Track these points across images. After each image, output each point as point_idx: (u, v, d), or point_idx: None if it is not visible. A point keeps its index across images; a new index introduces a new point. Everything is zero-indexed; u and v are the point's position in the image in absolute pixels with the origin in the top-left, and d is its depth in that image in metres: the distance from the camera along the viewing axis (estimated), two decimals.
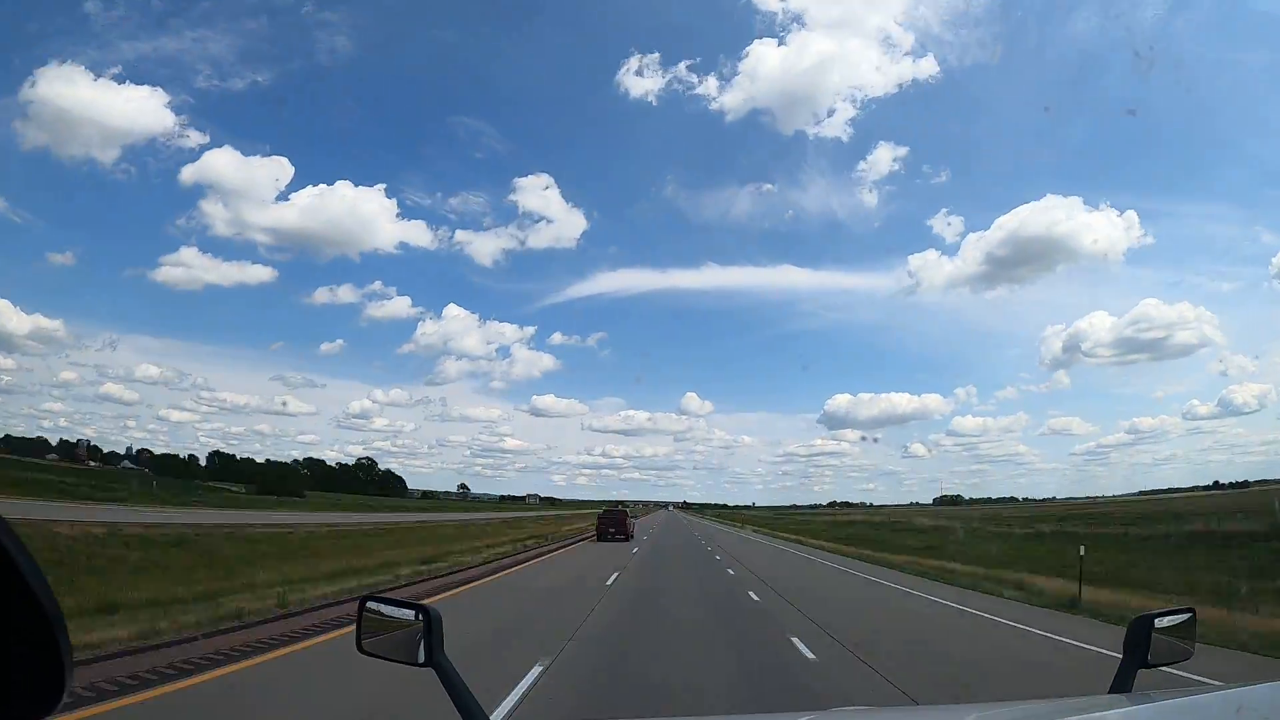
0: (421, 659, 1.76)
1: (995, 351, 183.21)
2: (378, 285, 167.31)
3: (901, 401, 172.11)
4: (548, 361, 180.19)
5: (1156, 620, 1.79)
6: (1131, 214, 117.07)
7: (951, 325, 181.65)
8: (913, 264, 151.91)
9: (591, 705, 6.64)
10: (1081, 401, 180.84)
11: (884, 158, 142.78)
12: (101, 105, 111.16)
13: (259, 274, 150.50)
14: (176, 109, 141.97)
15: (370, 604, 1.92)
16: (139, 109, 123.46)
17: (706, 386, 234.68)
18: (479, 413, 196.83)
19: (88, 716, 5.66)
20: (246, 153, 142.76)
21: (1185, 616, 1.88)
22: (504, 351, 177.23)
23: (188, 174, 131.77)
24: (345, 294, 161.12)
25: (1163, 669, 1.83)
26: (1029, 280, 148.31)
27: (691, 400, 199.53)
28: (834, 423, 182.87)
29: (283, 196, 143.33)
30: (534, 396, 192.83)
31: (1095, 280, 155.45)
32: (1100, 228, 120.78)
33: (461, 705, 1.67)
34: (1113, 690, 1.75)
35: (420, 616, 1.79)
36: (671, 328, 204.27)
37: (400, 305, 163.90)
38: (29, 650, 0.82)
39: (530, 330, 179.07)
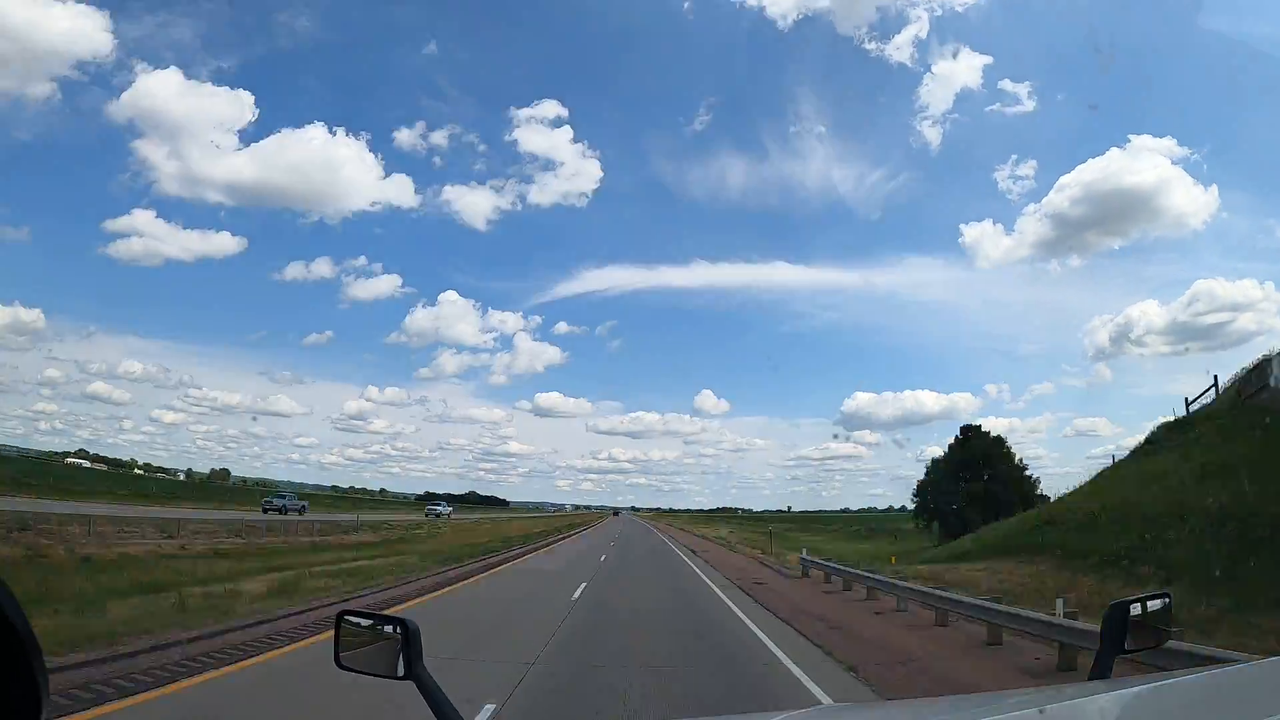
0: (401, 672, 1.74)
1: (1041, 339, 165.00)
2: (362, 260, 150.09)
3: (928, 400, 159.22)
4: (553, 354, 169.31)
5: (1132, 606, 1.81)
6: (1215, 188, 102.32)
7: (998, 311, 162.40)
8: (967, 236, 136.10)
9: None
10: (1119, 399, 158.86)
11: (962, 67, 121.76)
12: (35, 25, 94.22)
13: (225, 244, 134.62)
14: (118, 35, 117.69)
15: (348, 617, 1.91)
16: (77, 29, 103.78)
17: (717, 388, 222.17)
18: (480, 413, 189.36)
19: None
20: (204, 89, 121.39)
21: (1162, 602, 1.90)
22: (505, 342, 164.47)
23: (141, 125, 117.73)
24: (326, 270, 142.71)
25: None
26: (1095, 251, 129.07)
27: (701, 402, 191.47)
28: (852, 424, 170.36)
29: (247, 141, 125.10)
30: (537, 394, 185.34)
31: (1166, 257, 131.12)
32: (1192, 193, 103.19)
33: (443, 718, 1.65)
34: (1092, 677, 1.77)
35: (398, 629, 1.78)
36: (677, 327, 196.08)
37: (388, 284, 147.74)
38: (2, 673, 0.81)
39: (535, 320, 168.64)
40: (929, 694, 6.83)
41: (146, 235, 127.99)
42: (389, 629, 1.80)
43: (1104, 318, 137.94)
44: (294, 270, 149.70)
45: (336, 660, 1.89)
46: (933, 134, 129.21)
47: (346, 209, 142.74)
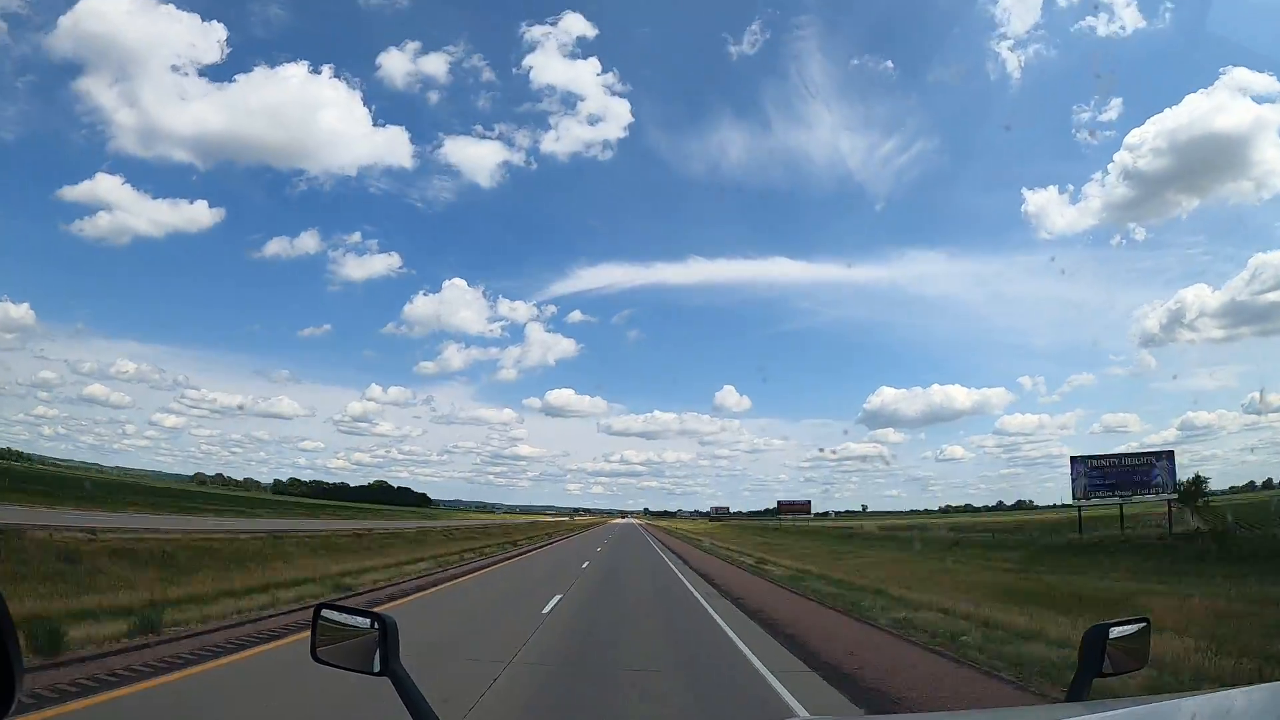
0: (377, 668, 1.75)
1: (1089, 325, 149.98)
2: (356, 237, 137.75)
3: (958, 396, 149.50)
4: (566, 346, 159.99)
5: (1111, 630, 1.82)
6: None
7: (1047, 295, 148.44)
8: (1030, 203, 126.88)
9: None
10: (1159, 392, 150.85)
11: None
12: None
13: (200, 215, 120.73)
14: None
15: (325, 612, 1.91)
16: None
17: (738, 386, 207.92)
18: (488, 414, 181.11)
19: None
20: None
21: (1139, 626, 1.92)
22: (515, 332, 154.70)
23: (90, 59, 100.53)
24: (314, 245, 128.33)
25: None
26: (1170, 215, 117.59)
27: (721, 400, 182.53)
28: (875, 421, 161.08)
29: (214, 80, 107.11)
30: (548, 392, 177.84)
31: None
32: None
33: (418, 715, 1.65)
34: (1068, 699, 1.78)
35: (375, 625, 1.79)
36: (694, 323, 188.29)
37: (384, 263, 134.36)
38: None
39: (550, 310, 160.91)
40: None
41: (114, 208, 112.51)
42: (366, 624, 1.81)
43: (1155, 304, 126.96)
44: (279, 247, 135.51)
45: (313, 654, 1.89)
46: (1012, 61, 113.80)
47: (334, 166, 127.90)
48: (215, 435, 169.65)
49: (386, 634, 1.74)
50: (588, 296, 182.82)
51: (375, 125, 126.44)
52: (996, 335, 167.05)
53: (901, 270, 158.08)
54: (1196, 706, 1.44)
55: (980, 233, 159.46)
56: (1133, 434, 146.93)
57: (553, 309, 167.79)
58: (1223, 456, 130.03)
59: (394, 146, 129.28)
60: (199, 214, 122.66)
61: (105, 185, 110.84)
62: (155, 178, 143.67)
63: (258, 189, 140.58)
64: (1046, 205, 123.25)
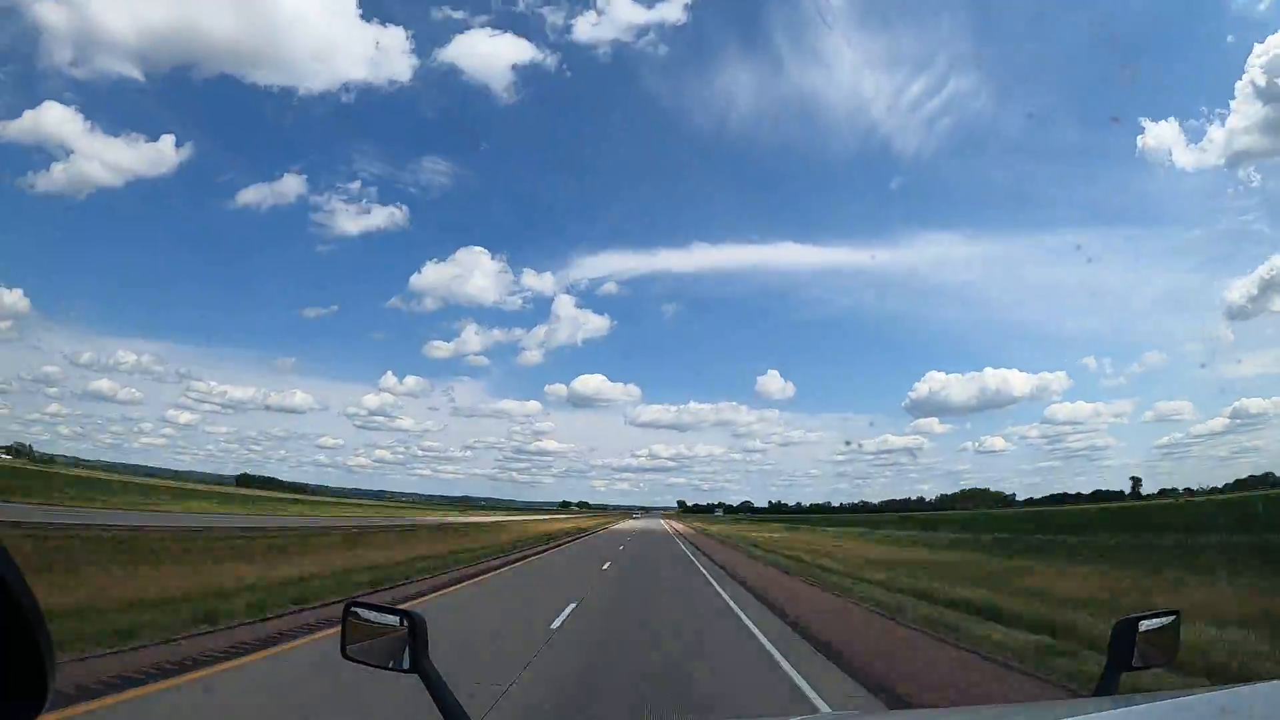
0: (407, 665, 1.76)
1: (1174, 297, 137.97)
2: (356, 185, 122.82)
3: (1016, 381, 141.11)
4: (598, 324, 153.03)
5: (1141, 623, 1.80)
6: None
7: (1140, 263, 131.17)
8: (1149, 136, 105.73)
9: None
10: (1224, 374, 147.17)
11: None
12: None
13: (165, 154, 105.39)
14: None
15: (354, 609, 1.91)
16: None
17: (779, 376, 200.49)
18: (511, 407, 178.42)
19: None
20: None
21: (1170, 619, 1.90)
22: (542, 306, 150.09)
23: None
24: (296, 190, 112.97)
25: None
26: None
27: (763, 388, 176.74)
28: (921, 411, 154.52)
29: None
30: (575, 379, 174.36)
31: None
32: None
33: (447, 712, 1.65)
34: (1097, 693, 1.77)
35: (405, 622, 1.79)
36: (728, 310, 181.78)
37: (383, 216, 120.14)
38: (8, 651, 0.81)
39: (582, 282, 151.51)
40: None
41: (63, 146, 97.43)
42: (396, 621, 1.81)
43: (1243, 279, 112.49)
44: (257, 194, 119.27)
45: (343, 652, 1.90)
46: None
47: (315, 79, 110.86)
48: (229, 433, 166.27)
49: (415, 631, 1.74)
50: (585, 287, 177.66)
51: (363, 19, 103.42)
52: (1056, 317, 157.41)
53: (925, 253, 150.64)
54: (1229, 700, 1.43)
55: (1018, 204, 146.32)
56: (1185, 422, 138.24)
57: (583, 279, 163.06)
58: (1263, 448, 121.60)
59: (389, 52, 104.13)
60: (164, 154, 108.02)
61: (51, 119, 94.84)
62: (103, 103, 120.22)
63: (224, 112, 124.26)
64: (1165, 140, 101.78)
